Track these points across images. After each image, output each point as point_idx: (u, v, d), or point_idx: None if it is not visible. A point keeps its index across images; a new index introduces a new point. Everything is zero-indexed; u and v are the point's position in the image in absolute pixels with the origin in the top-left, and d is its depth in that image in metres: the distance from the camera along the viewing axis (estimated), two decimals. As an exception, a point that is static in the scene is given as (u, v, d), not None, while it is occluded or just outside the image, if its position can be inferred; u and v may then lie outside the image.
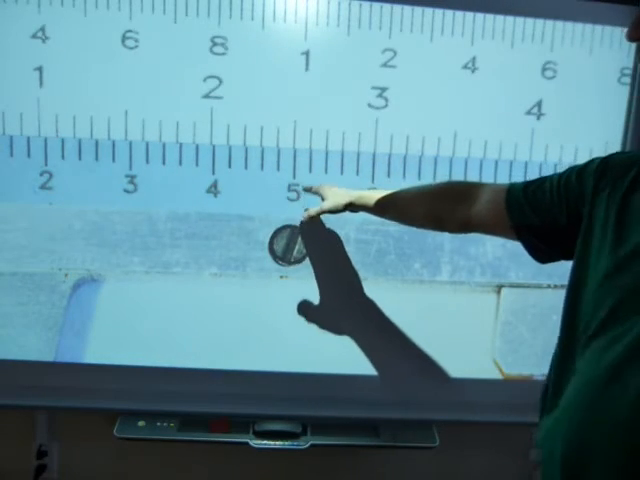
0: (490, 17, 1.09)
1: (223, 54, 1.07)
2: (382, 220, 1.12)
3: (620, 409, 0.52)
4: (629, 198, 0.58)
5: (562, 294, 0.66)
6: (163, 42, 1.06)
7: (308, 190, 1.10)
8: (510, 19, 1.09)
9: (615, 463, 0.52)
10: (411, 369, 1.16)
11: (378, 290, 1.15)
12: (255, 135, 1.09)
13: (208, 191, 1.11)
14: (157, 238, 1.11)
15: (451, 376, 1.17)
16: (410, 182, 1.11)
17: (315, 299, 1.14)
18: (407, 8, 1.08)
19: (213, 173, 1.10)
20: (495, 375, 1.18)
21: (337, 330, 1.14)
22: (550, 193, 0.69)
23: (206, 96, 1.08)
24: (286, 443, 1.12)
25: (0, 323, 1.11)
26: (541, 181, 0.72)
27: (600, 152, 1.11)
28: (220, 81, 1.08)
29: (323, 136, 1.10)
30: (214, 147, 1.09)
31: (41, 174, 1.08)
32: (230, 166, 1.10)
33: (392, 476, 1.32)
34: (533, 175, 1.11)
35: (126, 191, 1.10)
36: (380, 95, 1.10)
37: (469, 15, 1.09)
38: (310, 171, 1.11)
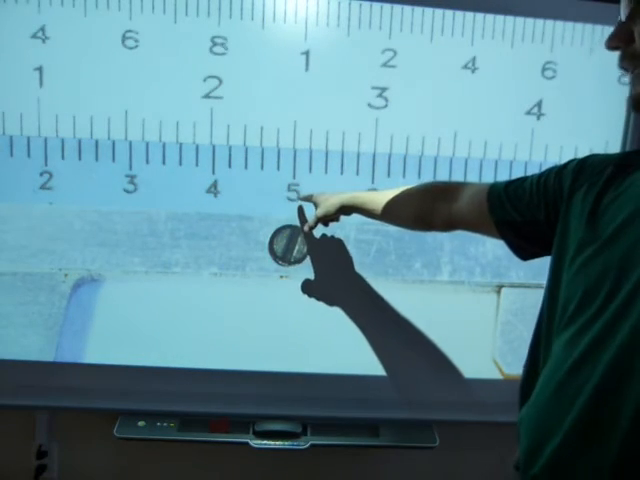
0: (490, 17, 1.09)
1: (223, 54, 1.07)
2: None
3: (578, 402, 0.55)
4: (603, 196, 0.60)
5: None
6: (163, 42, 1.06)
7: (302, 199, 1.11)
8: (510, 19, 1.09)
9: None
10: (411, 369, 1.16)
11: (378, 290, 1.15)
12: (255, 135, 1.09)
13: (208, 191, 1.11)
14: (157, 238, 1.11)
15: (451, 376, 1.17)
16: (410, 182, 1.10)
17: (315, 299, 1.14)
18: (407, 8, 1.08)
19: (213, 173, 1.10)
20: (495, 375, 1.18)
21: (337, 329, 1.14)
22: (530, 191, 0.71)
23: (206, 96, 1.08)
24: (286, 443, 1.12)
25: (0, 323, 1.11)
26: (522, 180, 0.74)
27: (600, 152, 1.11)
28: (220, 81, 1.08)
29: (323, 136, 1.10)
30: (214, 147, 1.09)
31: (41, 174, 1.08)
32: (230, 166, 1.10)
33: (392, 476, 1.32)
34: (533, 175, 1.12)
35: (126, 191, 1.10)
36: (380, 95, 1.10)
37: (469, 15, 1.09)
38: (310, 171, 1.11)
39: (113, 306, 1.13)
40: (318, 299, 1.14)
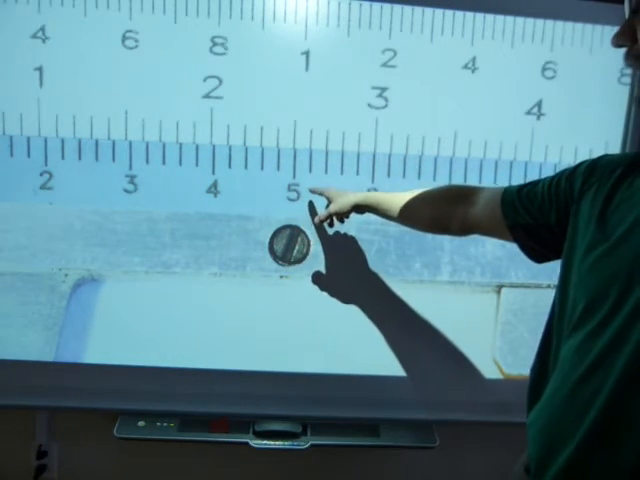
0: (490, 17, 1.09)
1: (223, 54, 1.07)
2: (382, 220, 1.12)
3: (593, 407, 0.54)
4: (612, 197, 0.60)
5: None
6: (163, 42, 1.06)
7: (314, 192, 1.10)
8: (510, 19, 1.09)
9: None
10: (411, 369, 1.16)
11: (378, 290, 1.15)
12: (255, 135, 1.09)
13: (208, 191, 1.11)
14: (157, 238, 1.11)
15: (451, 376, 1.17)
16: (410, 182, 1.11)
17: (315, 299, 1.14)
18: (407, 8, 1.08)
19: (213, 173, 1.10)
20: (495, 375, 1.18)
21: (337, 330, 1.14)
22: (542, 194, 0.71)
23: (206, 96, 1.08)
24: (286, 443, 1.12)
25: (0, 323, 1.11)
26: (535, 183, 0.74)
27: (600, 152, 1.10)
28: (220, 81, 1.08)
29: (323, 136, 1.10)
30: (214, 147, 1.09)
31: (41, 174, 1.08)
32: (230, 166, 1.10)
33: (392, 476, 1.33)
34: (533, 175, 1.12)
35: (126, 191, 1.10)
36: (380, 95, 1.10)
37: (469, 15, 1.09)
38: (310, 171, 1.11)
39: (113, 306, 1.13)
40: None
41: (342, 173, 1.12)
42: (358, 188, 1.08)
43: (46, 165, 1.08)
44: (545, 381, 0.64)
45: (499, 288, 1.17)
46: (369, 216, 1.02)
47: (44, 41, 1.05)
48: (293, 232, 1.13)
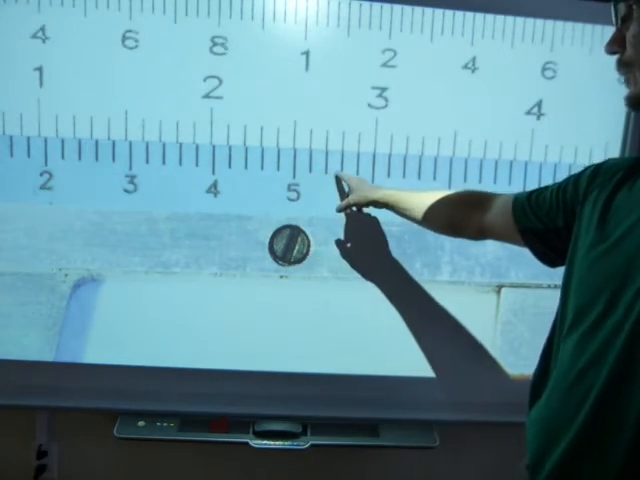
0: (490, 17, 1.09)
1: (223, 54, 1.07)
2: (382, 220, 1.12)
3: (585, 405, 0.56)
4: (613, 199, 0.61)
5: (562, 294, 0.66)
6: (163, 42, 1.06)
7: (340, 177, 1.10)
8: (510, 19, 1.09)
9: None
10: (411, 369, 1.16)
11: (378, 290, 1.15)
12: (255, 135, 1.09)
13: (208, 191, 1.11)
14: (157, 238, 1.11)
15: (451, 376, 1.17)
16: (410, 182, 1.11)
17: (315, 298, 1.14)
18: (407, 8, 1.08)
19: (213, 173, 1.10)
20: (495, 375, 1.18)
21: (336, 329, 1.14)
22: (550, 198, 0.73)
23: (206, 96, 1.08)
24: (286, 443, 1.12)
25: (0, 323, 1.11)
26: (544, 188, 0.76)
27: (600, 152, 1.11)
28: (220, 81, 1.08)
29: (323, 136, 1.10)
30: (214, 147, 1.09)
31: (41, 174, 1.08)
32: (230, 166, 1.10)
33: (392, 476, 1.32)
34: (533, 175, 1.13)
35: (126, 191, 1.10)
36: (380, 95, 1.10)
37: (469, 15, 1.09)
38: (310, 171, 1.11)
39: (113, 306, 1.13)
40: (318, 299, 1.13)
41: (342, 173, 1.11)
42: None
43: (46, 165, 1.08)
44: (546, 380, 0.65)
45: (499, 288, 1.17)
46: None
47: (44, 41, 1.05)
48: (293, 232, 1.13)
